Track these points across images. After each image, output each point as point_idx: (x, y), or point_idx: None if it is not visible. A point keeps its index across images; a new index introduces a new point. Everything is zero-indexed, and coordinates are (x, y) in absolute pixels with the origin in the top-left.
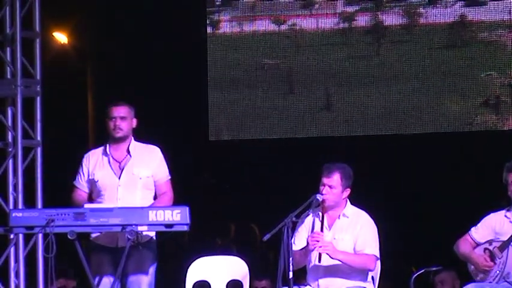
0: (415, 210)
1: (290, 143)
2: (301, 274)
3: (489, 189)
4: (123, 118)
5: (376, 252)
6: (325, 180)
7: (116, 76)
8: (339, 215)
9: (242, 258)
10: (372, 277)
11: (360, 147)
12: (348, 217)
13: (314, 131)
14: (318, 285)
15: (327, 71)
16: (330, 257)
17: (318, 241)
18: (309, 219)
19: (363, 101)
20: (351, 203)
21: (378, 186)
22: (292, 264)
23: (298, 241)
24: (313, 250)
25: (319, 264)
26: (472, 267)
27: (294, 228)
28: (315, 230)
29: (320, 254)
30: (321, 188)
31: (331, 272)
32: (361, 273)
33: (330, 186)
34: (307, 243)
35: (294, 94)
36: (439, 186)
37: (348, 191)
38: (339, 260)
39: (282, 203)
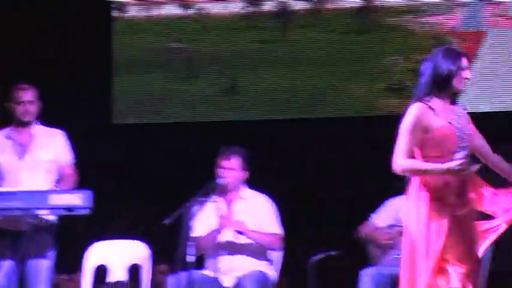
0: (318, 195)
1: (196, 127)
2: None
3: (392, 173)
4: (31, 102)
5: (282, 231)
6: (224, 163)
7: (17, 59)
8: (237, 198)
9: (144, 242)
10: (273, 260)
11: (265, 131)
12: (246, 199)
13: (220, 114)
14: (219, 266)
15: (233, 55)
16: (242, 235)
17: (229, 221)
18: (209, 204)
19: (270, 85)
20: (250, 186)
21: (282, 170)
22: (195, 249)
23: (200, 226)
24: (220, 231)
25: (235, 242)
26: (373, 251)
27: (194, 213)
28: (221, 213)
29: (232, 234)
30: (220, 171)
31: (234, 251)
32: (263, 253)
33: (229, 169)
34: (218, 225)
35: (201, 78)
36: (343, 170)
37: (246, 174)
38: (251, 238)
39: (186, 187)
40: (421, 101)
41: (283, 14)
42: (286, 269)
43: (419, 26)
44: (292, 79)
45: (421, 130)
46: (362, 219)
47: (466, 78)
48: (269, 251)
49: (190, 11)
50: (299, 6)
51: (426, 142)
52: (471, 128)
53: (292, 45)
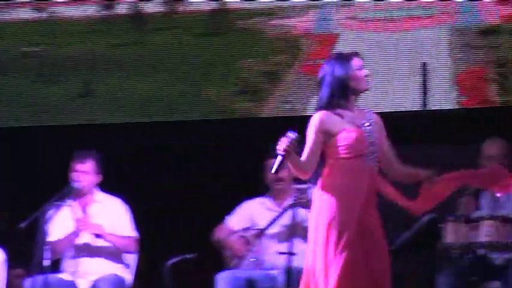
0: (172, 198)
1: (49, 131)
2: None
3: (248, 176)
4: None
5: (136, 234)
6: (78, 166)
7: None
8: (92, 201)
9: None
10: (128, 263)
11: (118, 134)
12: (100, 202)
13: (73, 118)
14: (76, 270)
15: (88, 59)
16: (100, 238)
17: (85, 224)
18: (64, 208)
19: (124, 88)
20: (103, 190)
21: (135, 173)
22: (51, 253)
23: (56, 230)
24: (77, 234)
25: (91, 245)
26: (228, 253)
27: (50, 216)
28: (77, 216)
29: (89, 237)
30: (75, 174)
31: (90, 254)
32: (119, 257)
33: (84, 173)
34: (74, 228)
35: (54, 82)
36: (198, 174)
37: (100, 177)
38: (108, 241)
39: (43, 190)
40: (324, 109)
41: (138, 17)
42: (141, 272)
43: (272, 29)
44: (146, 82)
45: (323, 134)
46: (218, 222)
47: (366, 76)
48: (124, 254)
49: (44, 15)
50: (153, 9)
51: (335, 144)
52: (383, 134)
53: (147, 49)
